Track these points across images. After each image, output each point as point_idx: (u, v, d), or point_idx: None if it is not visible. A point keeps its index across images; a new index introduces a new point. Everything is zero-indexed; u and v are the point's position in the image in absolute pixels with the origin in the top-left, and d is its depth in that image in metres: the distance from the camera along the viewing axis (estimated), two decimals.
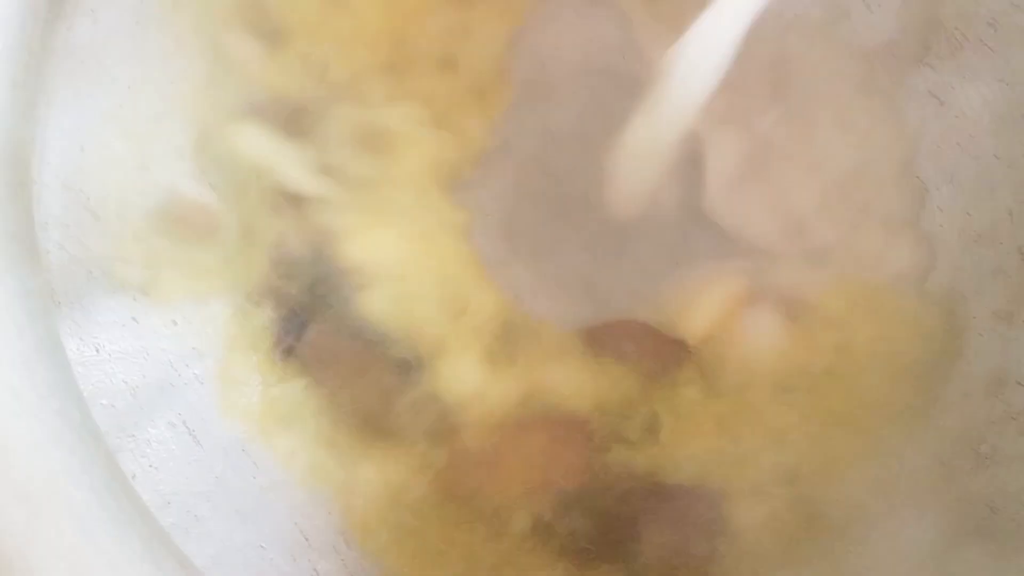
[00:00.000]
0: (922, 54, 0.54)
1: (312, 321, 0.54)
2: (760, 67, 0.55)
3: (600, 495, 0.53)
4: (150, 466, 0.47)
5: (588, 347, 0.54)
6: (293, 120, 0.54)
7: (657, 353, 0.53)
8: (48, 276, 0.45)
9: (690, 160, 0.55)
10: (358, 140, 0.54)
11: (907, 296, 0.54)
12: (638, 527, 0.52)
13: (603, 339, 0.54)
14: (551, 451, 0.53)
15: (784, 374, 0.53)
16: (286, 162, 0.53)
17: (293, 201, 0.53)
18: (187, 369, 0.50)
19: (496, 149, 0.56)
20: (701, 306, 0.54)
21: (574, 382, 0.53)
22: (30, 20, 0.42)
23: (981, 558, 0.47)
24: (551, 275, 0.56)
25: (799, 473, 0.53)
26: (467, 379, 0.52)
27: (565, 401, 0.53)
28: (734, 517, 0.52)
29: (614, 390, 0.53)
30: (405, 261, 0.53)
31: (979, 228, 0.53)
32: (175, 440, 0.49)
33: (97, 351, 0.47)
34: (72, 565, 0.37)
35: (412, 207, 0.54)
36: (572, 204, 0.57)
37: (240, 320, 0.54)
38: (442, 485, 0.53)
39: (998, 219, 0.52)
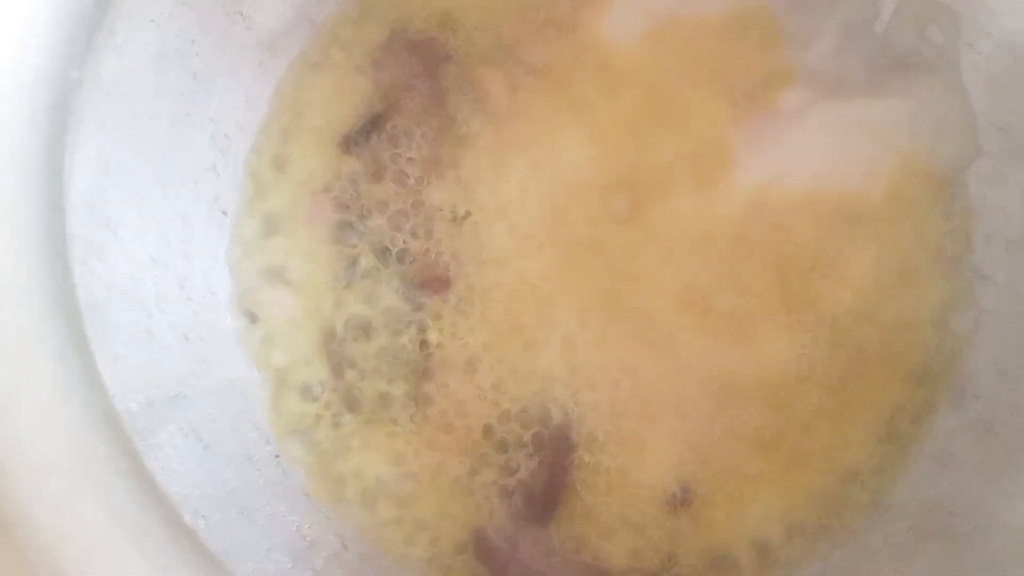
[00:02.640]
0: None
1: None
2: None
3: None
4: (162, 469, 0.49)
5: None
6: None
7: None
8: (72, 287, 0.49)
9: None
10: None
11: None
12: None
13: None
14: None
15: None
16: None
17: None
18: (198, 381, 0.53)
19: None
20: None
21: None
22: (67, 52, 0.45)
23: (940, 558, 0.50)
24: None
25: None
26: None
27: None
28: None
29: None
30: None
31: None
32: (185, 447, 0.52)
33: (115, 360, 0.50)
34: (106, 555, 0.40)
35: None
36: None
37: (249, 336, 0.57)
38: None
39: None
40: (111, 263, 0.51)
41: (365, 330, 0.57)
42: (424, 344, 0.57)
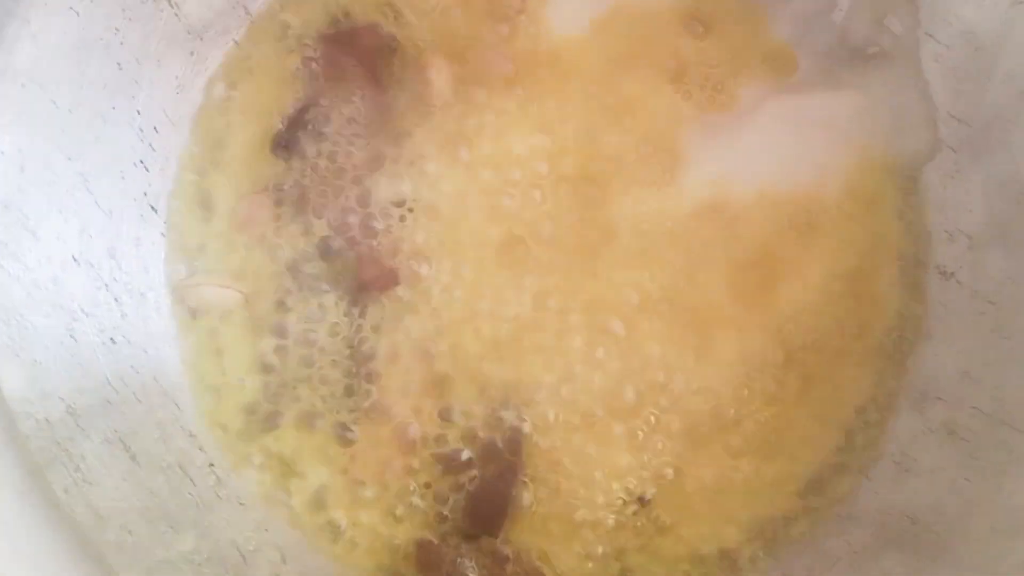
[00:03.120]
0: None
1: None
2: None
3: None
4: (84, 481, 0.47)
5: None
6: None
7: None
8: None
9: None
10: None
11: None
12: None
13: None
14: None
15: None
16: None
17: None
18: (125, 387, 0.51)
19: None
20: None
21: None
22: None
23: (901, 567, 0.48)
24: None
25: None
26: None
27: None
28: None
29: None
30: None
31: None
32: (111, 456, 0.49)
33: (34, 365, 0.47)
34: None
35: None
36: None
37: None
38: None
39: None
40: (30, 264, 0.48)
41: (307, 332, 0.55)
42: (367, 346, 0.55)
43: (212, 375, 0.54)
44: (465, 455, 0.54)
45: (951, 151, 0.54)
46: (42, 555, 0.40)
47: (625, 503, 0.53)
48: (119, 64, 0.51)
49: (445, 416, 0.54)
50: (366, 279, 0.55)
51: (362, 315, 0.55)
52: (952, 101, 0.54)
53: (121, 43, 0.51)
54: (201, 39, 0.55)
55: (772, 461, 0.54)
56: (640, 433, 0.54)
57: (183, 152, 0.55)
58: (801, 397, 0.54)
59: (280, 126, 0.55)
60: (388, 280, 0.55)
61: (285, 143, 0.55)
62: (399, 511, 0.54)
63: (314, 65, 0.56)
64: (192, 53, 0.55)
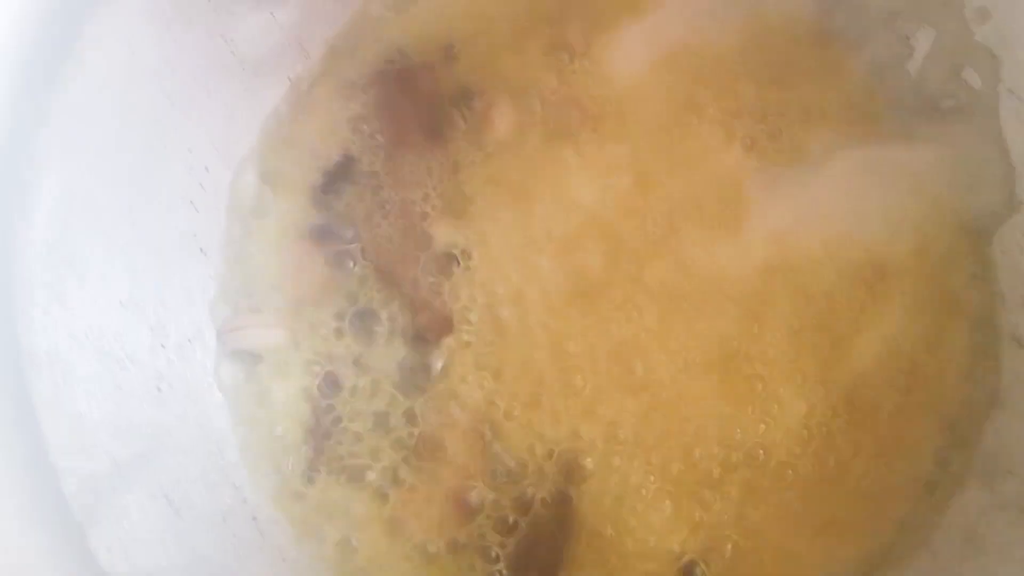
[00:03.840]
0: None
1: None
2: None
3: None
4: (127, 538, 0.45)
5: None
6: None
7: None
8: (30, 339, 0.44)
9: None
10: None
11: None
12: None
13: None
14: None
15: None
16: None
17: None
18: (170, 438, 0.49)
19: None
20: None
21: None
22: (27, 82, 0.41)
23: None
24: None
25: None
26: None
27: None
28: None
29: None
30: None
31: None
32: (154, 511, 0.47)
33: (78, 417, 0.45)
34: None
35: None
36: None
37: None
38: None
39: None
40: (75, 309, 0.46)
41: (356, 382, 0.53)
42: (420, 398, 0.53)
43: (258, 426, 0.53)
44: (515, 514, 0.52)
45: None
46: None
47: (683, 569, 0.52)
48: (170, 98, 0.50)
49: (495, 473, 0.52)
50: (422, 324, 0.53)
51: (415, 367, 0.53)
52: None
53: (173, 75, 0.49)
54: (256, 74, 0.53)
55: (832, 532, 0.52)
56: (701, 496, 0.52)
57: (232, 195, 0.54)
58: (864, 466, 0.52)
59: (327, 171, 0.54)
60: (443, 327, 0.53)
61: (328, 190, 0.53)
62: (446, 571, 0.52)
63: (369, 105, 0.54)
64: (247, 89, 0.53)
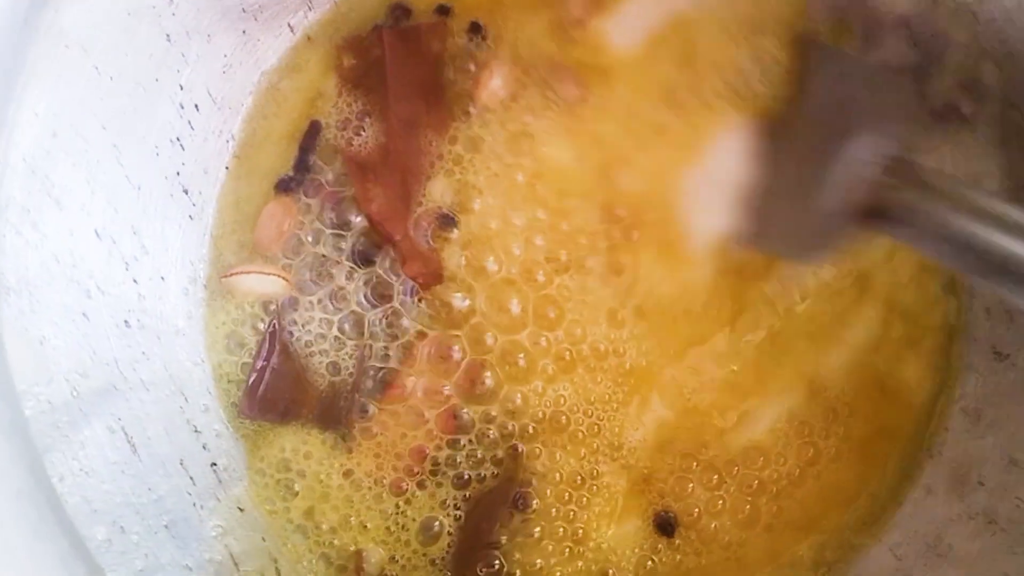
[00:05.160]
0: None
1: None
2: None
3: None
4: (81, 471, 0.44)
5: None
6: None
7: None
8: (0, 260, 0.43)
9: None
10: None
11: None
12: None
13: None
14: None
15: None
16: None
17: None
18: (133, 373, 0.48)
19: None
20: None
21: None
22: None
23: None
24: None
25: None
26: None
27: None
28: None
29: None
30: None
31: None
32: (111, 446, 0.46)
33: (41, 343, 0.44)
34: None
35: None
36: None
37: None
38: None
39: None
40: (48, 234, 0.45)
41: (329, 324, 0.52)
42: (395, 341, 0.52)
43: (226, 367, 0.52)
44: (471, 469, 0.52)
45: None
46: (34, 551, 0.38)
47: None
48: (168, 36, 0.49)
49: (454, 431, 0.52)
50: (411, 274, 0.52)
51: (395, 314, 0.52)
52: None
53: (173, 14, 0.49)
54: (256, 19, 0.52)
55: (795, 535, 0.51)
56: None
57: (220, 139, 0.53)
58: (833, 469, 0.52)
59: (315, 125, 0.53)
60: (432, 277, 0.52)
61: (311, 148, 0.53)
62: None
63: (367, 63, 0.53)
64: (244, 33, 0.52)
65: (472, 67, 0.54)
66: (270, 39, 0.54)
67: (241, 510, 0.51)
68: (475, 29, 0.54)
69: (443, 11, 0.54)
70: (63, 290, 0.46)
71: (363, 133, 0.53)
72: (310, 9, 0.54)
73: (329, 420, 0.52)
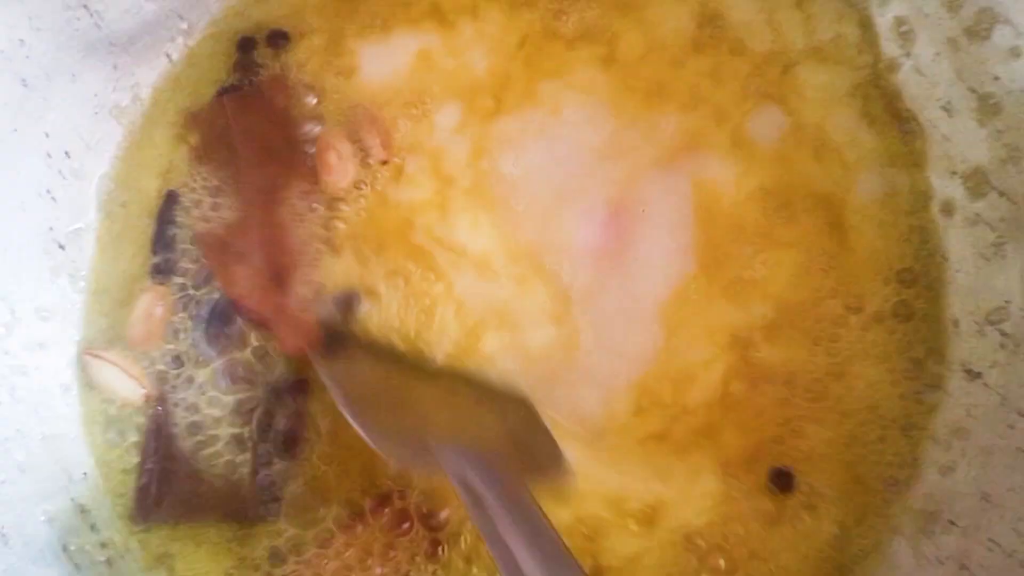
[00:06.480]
0: None
1: None
2: None
3: None
4: None
5: None
6: None
7: None
8: None
9: None
10: None
11: None
12: None
13: None
14: None
15: None
16: None
17: None
18: (6, 454, 0.44)
19: None
20: None
21: None
22: None
23: None
24: None
25: None
26: None
27: None
28: None
29: None
30: None
31: None
32: None
33: None
34: None
35: None
36: None
37: None
38: None
39: None
40: None
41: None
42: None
43: (111, 446, 0.48)
44: None
45: (988, 228, 0.46)
46: None
47: None
48: (24, 80, 0.45)
49: None
50: (290, 351, 0.47)
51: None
52: (998, 172, 0.46)
53: (27, 56, 0.44)
54: (127, 52, 0.48)
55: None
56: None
57: (103, 183, 0.49)
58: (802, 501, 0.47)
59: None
60: (313, 345, 0.47)
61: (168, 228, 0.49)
62: None
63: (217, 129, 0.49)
64: (115, 67, 0.48)
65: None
66: (147, 71, 0.49)
67: None
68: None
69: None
70: None
71: (219, 210, 0.48)
72: (188, 36, 0.49)
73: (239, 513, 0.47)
